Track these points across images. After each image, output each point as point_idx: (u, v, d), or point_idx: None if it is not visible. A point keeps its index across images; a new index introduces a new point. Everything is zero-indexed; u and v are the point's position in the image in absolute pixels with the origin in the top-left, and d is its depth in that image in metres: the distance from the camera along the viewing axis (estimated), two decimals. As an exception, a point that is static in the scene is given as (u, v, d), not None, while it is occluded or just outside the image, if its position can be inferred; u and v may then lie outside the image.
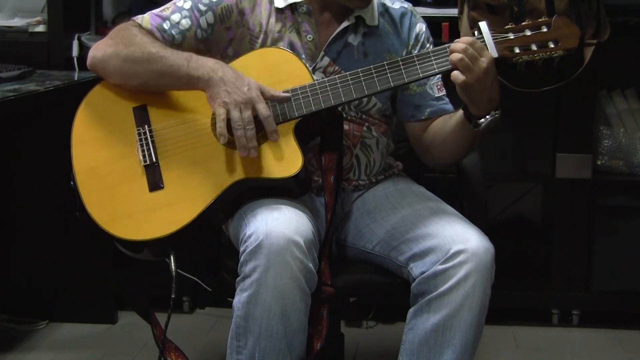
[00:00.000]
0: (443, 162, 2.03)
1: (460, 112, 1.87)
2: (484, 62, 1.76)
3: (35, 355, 2.70)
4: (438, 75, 1.97)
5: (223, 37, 1.96)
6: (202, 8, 1.94)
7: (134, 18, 1.96)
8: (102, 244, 1.90)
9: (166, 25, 1.93)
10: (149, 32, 1.92)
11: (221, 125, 1.76)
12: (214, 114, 1.81)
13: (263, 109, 1.78)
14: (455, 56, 1.76)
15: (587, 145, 2.85)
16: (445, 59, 1.82)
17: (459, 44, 1.77)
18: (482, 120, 1.82)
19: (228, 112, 1.77)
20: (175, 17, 1.94)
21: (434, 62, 1.82)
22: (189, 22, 1.93)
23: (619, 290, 2.91)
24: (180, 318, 2.97)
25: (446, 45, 1.82)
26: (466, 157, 2.03)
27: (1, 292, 2.91)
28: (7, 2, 3.04)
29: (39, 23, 2.89)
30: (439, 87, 2.02)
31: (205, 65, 1.82)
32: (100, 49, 1.92)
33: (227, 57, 1.97)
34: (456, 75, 1.77)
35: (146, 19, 1.95)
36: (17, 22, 2.93)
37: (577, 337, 2.88)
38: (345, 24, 1.96)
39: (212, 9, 1.94)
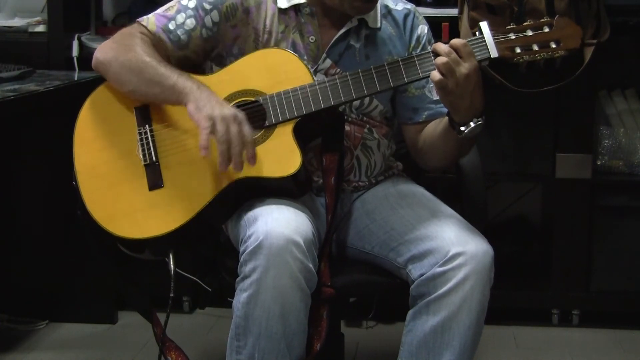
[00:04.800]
0: (434, 165, 2.03)
1: (446, 117, 1.86)
2: (465, 67, 1.74)
3: (35, 355, 2.70)
4: None
5: (228, 35, 1.96)
6: (207, 7, 1.94)
7: (140, 20, 1.97)
8: (103, 243, 1.91)
9: (172, 26, 1.94)
10: (155, 35, 1.93)
11: (204, 138, 1.72)
12: None
13: (247, 130, 1.75)
14: (439, 59, 1.75)
15: (587, 145, 2.85)
16: None
17: (443, 46, 1.76)
18: (464, 127, 1.81)
19: (214, 125, 1.72)
20: (180, 17, 1.94)
21: (434, 62, 1.81)
22: (194, 22, 1.93)
23: (619, 290, 2.91)
24: (180, 318, 2.97)
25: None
26: (456, 161, 2.03)
27: (1, 292, 2.91)
28: (7, 2, 3.04)
29: (39, 23, 2.89)
30: (437, 90, 2.02)
31: (195, 81, 1.81)
32: (103, 52, 1.93)
33: (232, 56, 1.97)
34: (433, 74, 1.76)
35: (151, 20, 1.95)
36: (17, 22, 2.93)
37: (577, 337, 2.88)
38: (347, 27, 1.96)
39: (217, 7, 1.94)
